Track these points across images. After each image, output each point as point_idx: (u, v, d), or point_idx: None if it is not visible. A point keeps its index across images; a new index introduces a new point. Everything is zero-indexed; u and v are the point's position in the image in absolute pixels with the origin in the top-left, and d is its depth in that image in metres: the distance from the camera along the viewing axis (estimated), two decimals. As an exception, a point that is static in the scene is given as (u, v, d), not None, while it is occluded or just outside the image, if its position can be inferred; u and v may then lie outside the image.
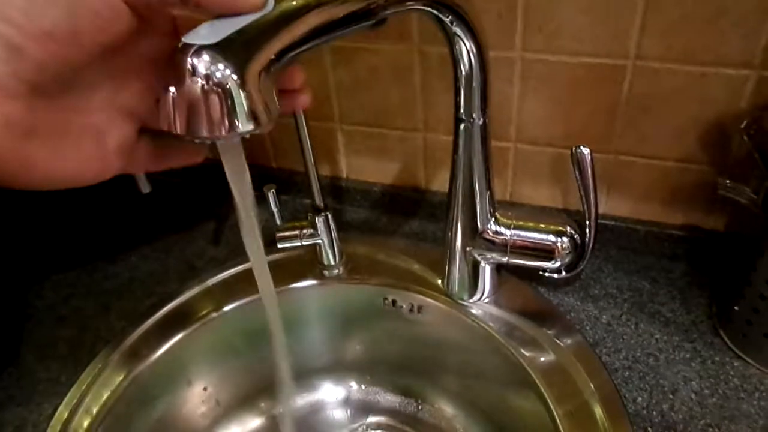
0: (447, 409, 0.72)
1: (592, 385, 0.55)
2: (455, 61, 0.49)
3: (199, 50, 0.30)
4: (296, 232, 0.66)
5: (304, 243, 0.67)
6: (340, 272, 0.70)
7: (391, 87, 0.70)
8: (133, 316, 0.68)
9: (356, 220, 0.79)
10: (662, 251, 0.68)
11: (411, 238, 0.75)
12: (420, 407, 0.74)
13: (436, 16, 0.44)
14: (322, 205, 0.65)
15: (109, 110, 0.35)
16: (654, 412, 0.53)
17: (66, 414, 0.58)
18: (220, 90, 0.30)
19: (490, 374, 0.64)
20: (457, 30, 0.45)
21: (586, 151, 0.52)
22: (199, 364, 0.68)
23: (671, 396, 0.54)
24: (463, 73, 0.49)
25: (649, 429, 0.51)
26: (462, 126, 0.53)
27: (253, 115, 0.31)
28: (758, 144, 0.52)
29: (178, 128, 0.31)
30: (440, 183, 0.76)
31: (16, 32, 0.28)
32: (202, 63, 0.29)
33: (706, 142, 0.61)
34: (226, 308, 0.68)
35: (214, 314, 0.67)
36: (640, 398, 0.54)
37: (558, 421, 0.53)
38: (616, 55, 0.59)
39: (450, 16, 0.44)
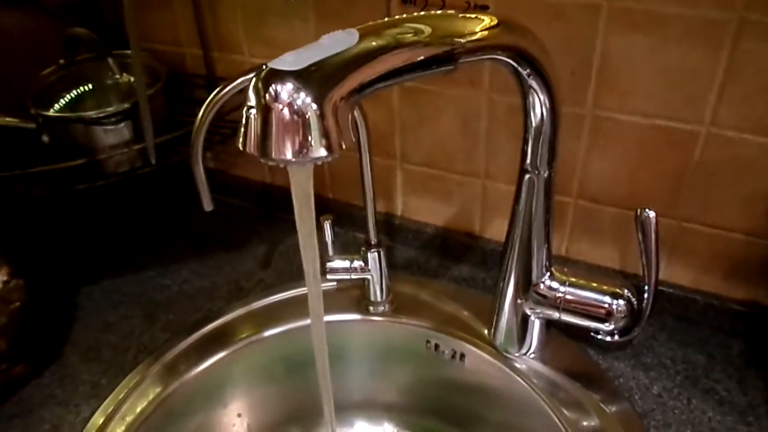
0: (479, 462, 0.70)
1: (637, 458, 0.52)
2: (527, 112, 0.49)
3: (283, 77, 0.30)
4: (347, 265, 0.66)
5: (354, 276, 0.67)
6: (386, 309, 0.69)
7: (456, 131, 0.70)
8: (177, 329, 0.69)
9: (406, 259, 0.78)
10: (720, 325, 0.65)
11: (459, 283, 0.74)
12: (451, 456, 0.72)
13: (514, 68, 0.44)
14: (376, 240, 0.65)
15: None
16: (702, 497, 0.50)
17: (101, 420, 0.59)
18: (299, 117, 0.31)
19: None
20: (533, 83, 0.45)
21: (651, 214, 0.51)
22: (235, 386, 0.68)
23: (722, 481, 0.51)
24: (534, 125, 0.49)
25: None
26: (527, 177, 0.52)
27: (326, 143, 0.31)
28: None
29: (255, 149, 0.32)
30: (495, 231, 0.75)
31: None
32: (285, 90, 0.30)
33: (777, 218, 0.59)
34: (267, 333, 0.68)
35: (255, 338, 0.68)
36: (688, 479, 0.51)
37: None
38: (690, 120, 0.57)
39: (528, 70, 0.44)
